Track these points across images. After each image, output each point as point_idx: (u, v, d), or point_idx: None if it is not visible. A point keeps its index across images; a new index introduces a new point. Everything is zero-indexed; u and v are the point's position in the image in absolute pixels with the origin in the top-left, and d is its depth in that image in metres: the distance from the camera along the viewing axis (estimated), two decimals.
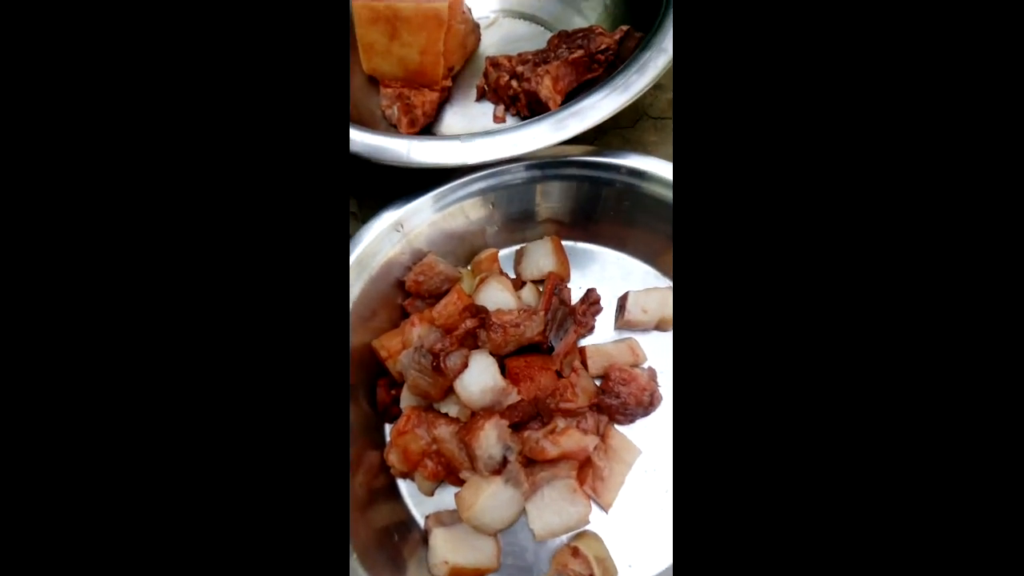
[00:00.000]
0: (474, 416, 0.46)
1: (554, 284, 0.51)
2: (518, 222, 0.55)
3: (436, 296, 0.51)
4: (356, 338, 0.49)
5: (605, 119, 0.48)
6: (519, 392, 0.46)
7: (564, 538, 0.46)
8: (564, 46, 0.60)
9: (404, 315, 0.53)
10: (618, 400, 0.48)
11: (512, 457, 0.45)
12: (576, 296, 0.54)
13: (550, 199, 0.54)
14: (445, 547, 0.44)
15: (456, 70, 0.65)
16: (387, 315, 0.52)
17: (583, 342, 0.53)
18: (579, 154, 0.52)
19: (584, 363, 0.50)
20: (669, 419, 0.50)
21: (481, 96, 0.64)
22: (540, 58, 0.60)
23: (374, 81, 0.64)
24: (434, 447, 0.47)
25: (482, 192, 0.52)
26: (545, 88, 0.58)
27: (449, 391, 0.46)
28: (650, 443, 0.49)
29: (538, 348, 0.49)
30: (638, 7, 0.60)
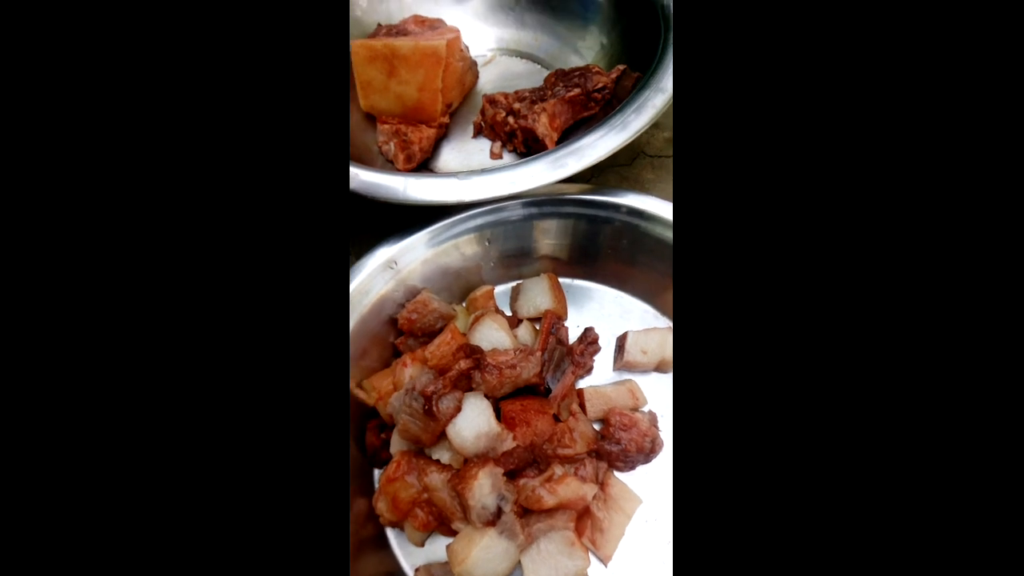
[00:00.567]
0: (467, 463, 0.43)
1: (551, 322, 0.50)
2: (514, 259, 0.54)
3: (430, 334, 0.50)
4: None
5: (603, 158, 0.48)
6: (515, 437, 0.44)
7: None
8: (561, 84, 0.60)
9: (396, 354, 0.51)
10: (618, 447, 0.46)
11: (507, 507, 0.42)
12: (573, 335, 0.52)
13: (547, 236, 0.53)
14: None
15: (454, 107, 0.65)
16: (378, 354, 0.51)
17: (581, 383, 0.51)
18: (577, 192, 0.51)
19: (582, 406, 0.49)
20: (671, 466, 0.48)
21: (478, 133, 0.65)
22: (537, 96, 0.60)
23: (371, 118, 0.64)
24: (425, 495, 0.44)
25: (478, 229, 0.51)
26: (542, 125, 0.58)
27: (441, 436, 0.44)
28: (651, 491, 0.47)
29: (534, 390, 0.47)
30: (634, 47, 0.61)
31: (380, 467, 0.49)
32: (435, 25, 0.65)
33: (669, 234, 0.49)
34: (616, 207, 0.51)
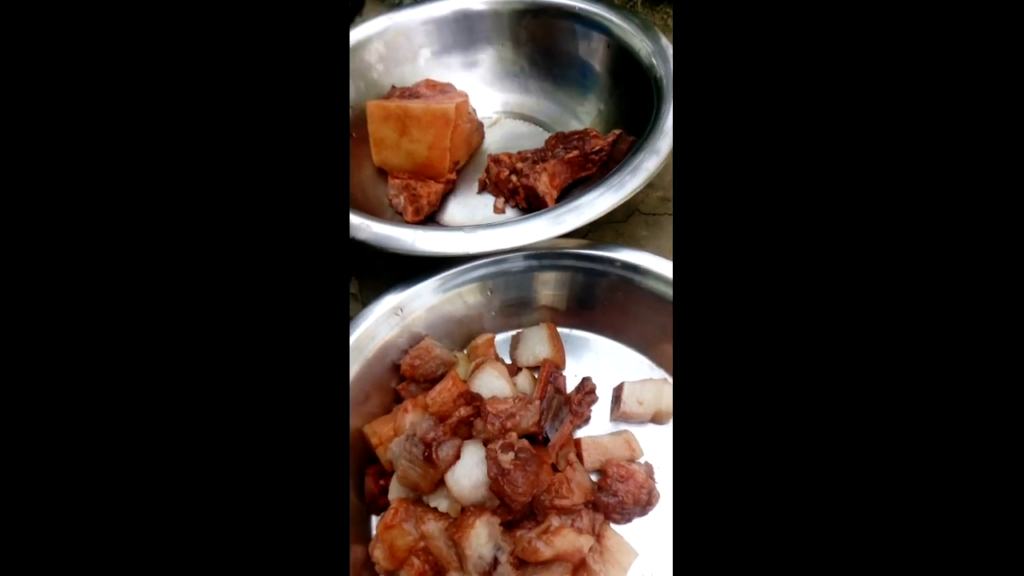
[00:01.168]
0: (464, 512, 0.44)
1: (549, 371, 0.51)
2: (515, 308, 0.56)
3: (431, 380, 0.51)
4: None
5: (600, 216, 0.51)
6: None
7: None
8: (561, 146, 0.65)
9: (398, 400, 0.52)
10: (615, 498, 0.47)
11: (503, 558, 0.42)
12: (571, 384, 0.54)
13: (547, 287, 0.55)
14: None
15: (461, 164, 0.69)
16: (380, 400, 0.52)
17: (578, 433, 0.52)
18: (575, 247, 0.54)
19: (580, 456, 0.49)
20: (667, 519, 0.48)
21: (483, 189, 0.68)
22: (538, 156, 0.64)
23: (383, 173, 0.68)
24: (422, 544, 0.44)
25: (481, 279, 0.54)
26: (542, 184, 0.62)
27: (440, 484, 0.45)
28: (647, 544, 0.47)
29: (533, 439, 0.48)
30: (630, 113, 0.66)
31: (378, 514, 0.49)
32: (445, 89, 0.70)
33: (662, 288, 0.52)
34: (611, 261, 0.53)
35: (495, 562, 0.42)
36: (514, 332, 0.57)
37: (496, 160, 0.65)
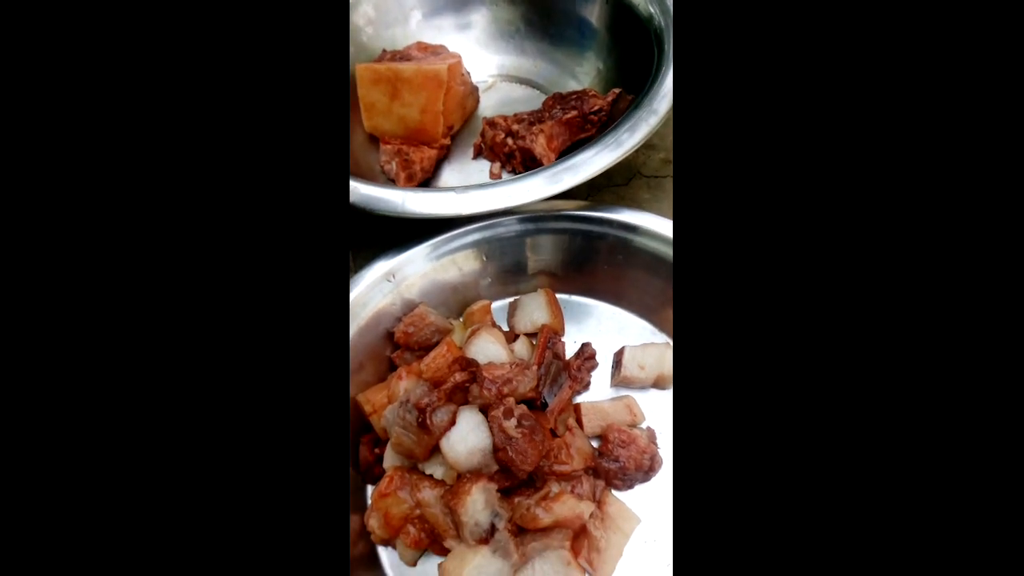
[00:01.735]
0: (460, 479, 0.43)
1: (548, 337, 0.49)
2: (511, 274, 0.54)
3: (426, 348, 0.50)
4: None
5: (597, 174, 0.49)
6: None
7: None
8: (559, 107, 0.62)
9: (392, 368, 0.51)
10: (617, 464, 0.45)
11: (501, 525, 0.41)
12: (570, 351, 0.52)
13: (543, 252, 0.53)
14: None
15: (455, 129, 0.67)
16: (374, 368, 0.51)
17: (578, 399, 0.51)
18: (572, 209, 0.52)
19: (579, 421, 0.48)
20: (670, 484, 0.47)
21: (478, 154, 0.66)
22: (535, 118, 0.62)
23: (374, 139, 0.66)
24: (417, 512, 0.43)
25: (475, 244, 0.52)
26: (539, 146, 0.59)
27: (435, 451, 0.44)
28: (650, 511, 0.46)
29: (531, 405, 0.47)
30: (629, 71, 0.63)
31: (373, 483, 0.48)
32: (438, 51, 0.67)
33: (663, 249, 0.50)
34: (610, 222, 0.51)
35: (492, 529, 0.41)
36: (511, 299, 0.55)
37: (491, 123, 0.63)
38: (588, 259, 0.53)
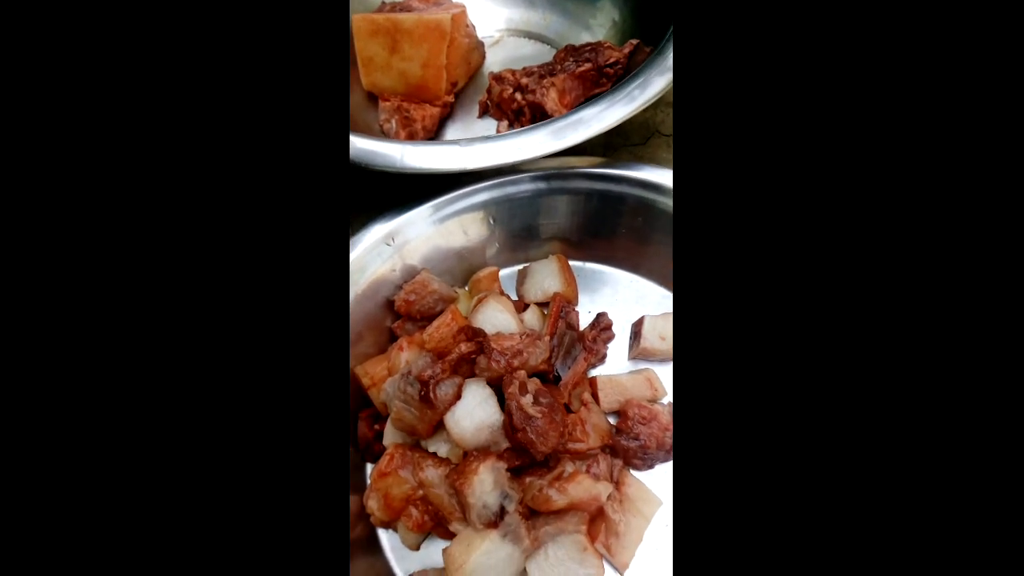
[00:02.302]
0: (467, 457, 0.39)
1: (560, 306, 0.45)
2: (521, 239, 0.50)
3: (429, 318, 0.46)
4: None
5: (607, 130, 0.44)
6: None
7: None
8: (571, 59, 0.57)
9: (393, 339, 0.47)
10: (637, 442, 0.42)
11: (511, 507, 0.38)
12: (585, 321, 0.48)
13: (556, 215, 0.49)
14: None
15: (459, 86, 0.62)
16: (374, 339, 0.47)
17: (594, 372, 0.47)
18: (587, 166, 0.47)
19: (595, 396, 0.44)
20: None
21: (484, 112, 0.61)
22: (546, 71, 0.57)
23: (373, 98, 0.62)
24: (420, 493, 0.40)
25: (483, 206, 0.48)
26: (551, 100, 0.55)
27: (439, 427, 0.40)
28: (672, 492, 0.42)
29: (543, 378, 0.43)
30: (647, 22, 0.58)
31: (373, 461, 0.45)
32: (440, 2, 0.62)
33: None
34: (630, 181, 0.47)
35: (501, 511, 0.38)
36: (521, 266, 0.51)
37: (498, 78, 0.58)
38: (605, 222, 0.49)
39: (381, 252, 0.46)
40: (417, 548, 0.42)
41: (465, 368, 0.42)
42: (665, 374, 0.46)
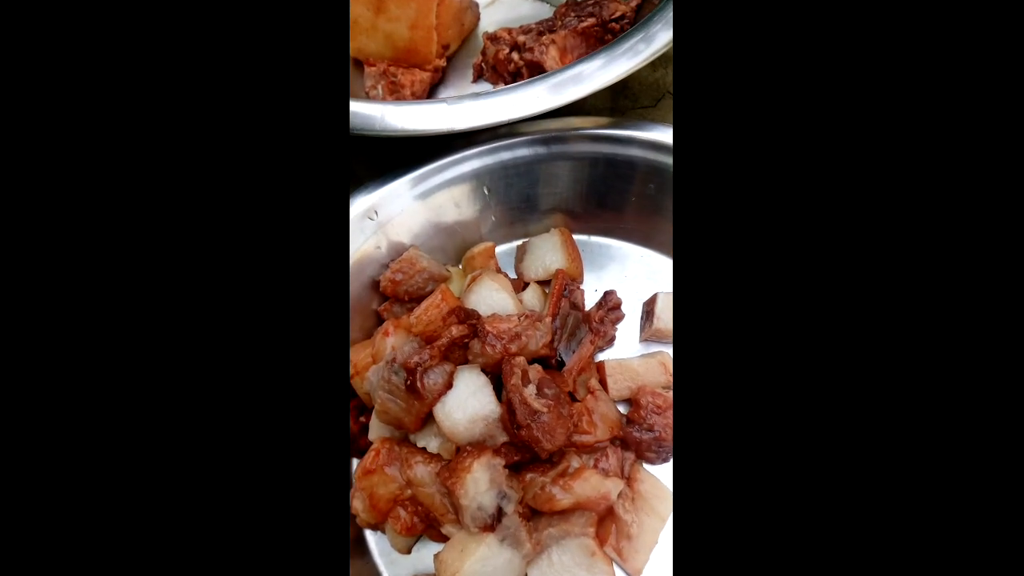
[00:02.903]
0: (460, 453, 0.35)
1: (563, 284, 0.41)
2: (519, 212, 0.46)
3: (418, 299, 0.42)
4: None
5: (611, 84, 0.40)
6: None
7: None
8: (573, 14, 0.52)
9: (380, 323, 0.43)
10: (650, 433, 0.38)
11: (509, 508, 0.34)
12: (591, 301, 0.44)
13: (557, 183, 0.44)
14: None
15: (451, 50, 0.58)
16: (360, 323, 0.43)
17: (601, 357, 0.42)
18: (592, 127, 0.43)
19: (603, 383, 0.40)
20: None
21: (479, 76, 0.57)
22: (545, 27, 0.52)
23: (359, 64, 0.57)
24: (408, 492, 0.36)
25: (475, 174, 0.43)
26: (551, 59, 0.50)
27: (429, 419, 0.36)
28: None
29: (544, 364, 0.39)
30: None
31: (358, 456, 0.41)
32: None
33: None
34: (640, 142, 0.42)
35: (499, 513, 0.34)
36: (519, 242, 0.46)
37: (493, 38, 0.53)
38: (613, 190, 0.44)
39: (364, 227, 0.42)
40: (408, 551, 0.38)
41: (457, 354, 0.37)
42: None
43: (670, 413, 0.38)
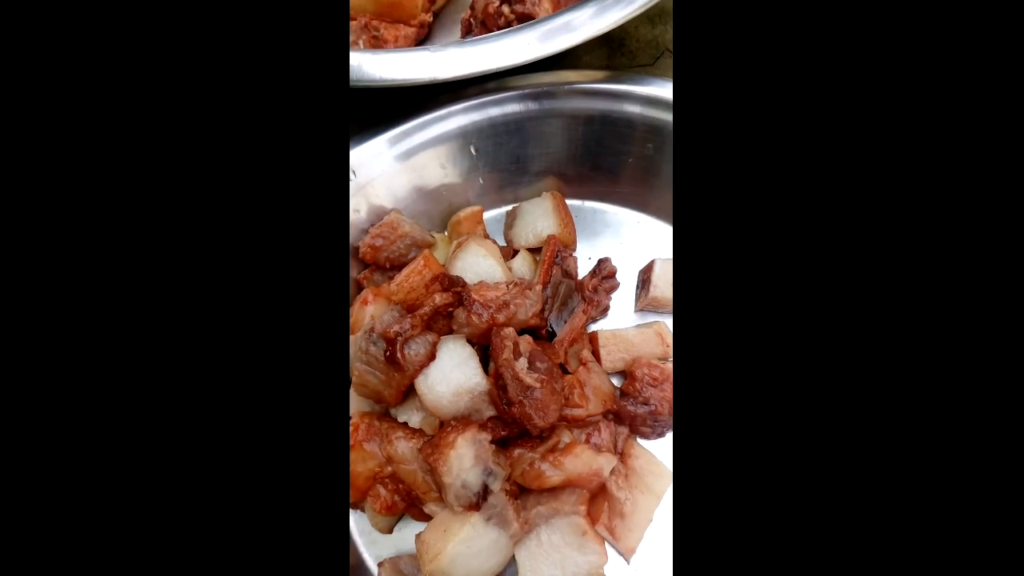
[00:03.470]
0: (443, 428, 0.33)
1: (555, 251, 0.38)
2: (509, 174, 0.43)
3: (399, 266, 0.39)
4: None
5: (603, 32, 0.37)
6: None
7: None
8: None
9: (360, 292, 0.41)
10: (646, 407, 0.36)
11: (496, 485, 0.32)
12: (585, 269, 0.41)
13: (549, 142, 0.41)
14: None
15: (439, 4, 0.54)
16: None
17: (594, 327, 0.40)
18: (587, 81, 0.40)
19: (596, 354, 0.38)
20: None
21: (467, 32, 0.53)
22: None
23: None
24: (389, 469, 0.34)
25: (462, 133, 0.40)
26: (543, 11, 0.46)
27: (410, 392, 0.34)
28: None
29: (534, 335, 0.36)
30: None
31: None
32: None
33: None
34: (638, 98, 0.39)
35: (485, 491, 0.32)
36: (509, 207, 0.44)
37: None
38: (608, 150, 0.41)
39: None
40: (390, 531, 0.36)
41: (441, 323, 0.35)
42: None
43: (667, 386, 0.36)
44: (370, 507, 0.35)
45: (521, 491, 0.34)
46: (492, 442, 0.33)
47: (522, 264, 0.40)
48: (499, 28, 0.50)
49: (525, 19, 0.47)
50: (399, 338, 0.33)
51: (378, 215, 0.40)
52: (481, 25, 0.51)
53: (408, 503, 0.34)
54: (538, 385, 0.32)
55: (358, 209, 0.40)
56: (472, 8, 0.52)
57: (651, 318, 0.40)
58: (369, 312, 0.36)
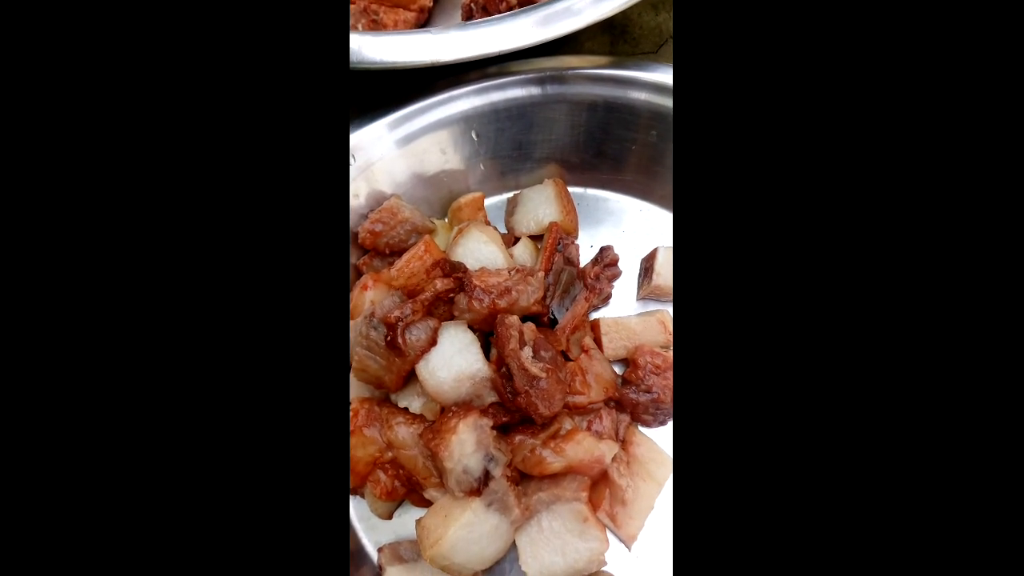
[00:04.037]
0: (444, 413, 0.33)
1: (557, 238, 0.38)
2: (511, 160, 0.42)
3: (399, 253, 0.39)
4: None
5: (604, 18, 0.36)
6: None
7: None
8: None
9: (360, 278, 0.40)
10: (647, 395, 0.35)
11: (497, 471, 0.32)
12: (587, 257, 0.41)
13: (552, 128, 0.41)
14: None
15: None
16: None
17: (596, 315, 0.40)
18: (590, 66, 0.39)
19: (598, 342, 0.37)
20: None
21: (468, 17, 0.52)
22: None
23: None
24: (389, 455, 0.34)
25: (463, 118, 0.40)
26: None
27: (411, 378, 0.34)
28: None
29: (536, 321, 0.36)
30: None
31: None
32: None
33: None
34: (642, 84, 0.39)
35: (486, 476, 0.31)
36: (511, 194, 0.43)
37: None
38: (612, 137, 0.41)
39: None
40: (389, 517, 0.36)
41: (442, 309, 0.35)
42: None
43: (669, 374, 0.36)
44: (370, 493, 0.35)
45: (522, 477, 0.33)
46: (494, 428, 0.33)
47: (523, 251, 0.40)
48: (503, 11, 0.49)
49: (527, 3, 0.47)
50: (400, 323, 0.33)
51: (377, 200, 0.40)
52: (482, 10, 0.51)
53: (408, 489, 0.34)
54: (544, 375, 0.32)
55: (357, 194, 0.39)
56: None
57: (653, 306, 0.40)
58: (369, 297, 0.36)
